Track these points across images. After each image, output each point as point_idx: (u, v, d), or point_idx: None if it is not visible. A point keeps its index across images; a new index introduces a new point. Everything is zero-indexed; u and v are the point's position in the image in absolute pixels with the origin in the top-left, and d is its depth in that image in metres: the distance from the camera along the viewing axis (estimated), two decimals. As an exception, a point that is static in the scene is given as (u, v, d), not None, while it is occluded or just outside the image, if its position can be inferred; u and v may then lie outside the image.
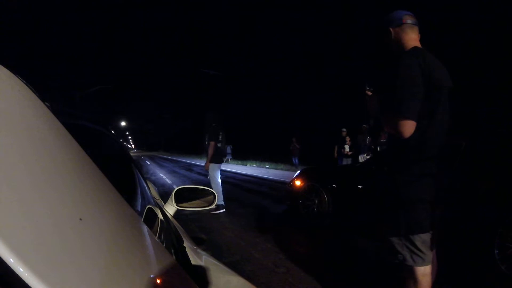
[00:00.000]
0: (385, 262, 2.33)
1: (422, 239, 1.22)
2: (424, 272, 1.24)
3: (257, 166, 14.64)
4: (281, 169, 12.50)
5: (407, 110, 1.15)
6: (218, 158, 4.59)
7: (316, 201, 3.69)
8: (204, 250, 0.99)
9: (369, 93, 1.40)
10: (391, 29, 1.34)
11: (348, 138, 8.41)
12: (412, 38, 1.32)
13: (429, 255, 1.24)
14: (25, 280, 0.20)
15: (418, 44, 1.31)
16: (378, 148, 8.06)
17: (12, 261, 0.20)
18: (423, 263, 1.23)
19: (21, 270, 0.20)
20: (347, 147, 8.39)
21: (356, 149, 8.27)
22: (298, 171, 4.40)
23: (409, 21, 1.33)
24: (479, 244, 2.23)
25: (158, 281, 0.36)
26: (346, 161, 8.36)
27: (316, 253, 2.83)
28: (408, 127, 1.15)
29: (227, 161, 17.98)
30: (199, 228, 3.53)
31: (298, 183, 4.06)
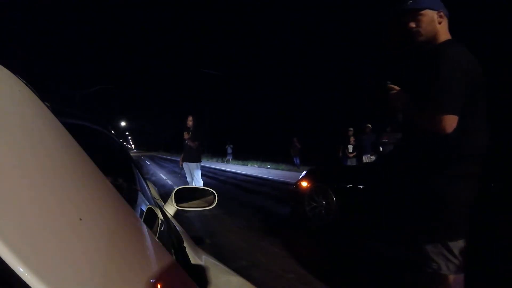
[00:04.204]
0: (398, 267, 2.26)
1: (460, 246, 1.13)
2: (459, 280, 1.16)
3: (258, 166, 14.63)
4: (282, 169, 12.48)
5: (450, 104, 1.06)
6: None
7: (324, 202, 3.54)
8: (203, 249, 0.98)
9: (394, 87, 1.29)
10: (442, 13, 1.20)
11: (352, 138, 8.18)
12: (447, 32, 1.23)
13: (463, 262, 1.15)
14: (25, 280, 0.20)
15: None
16: (381, 148, 7.97)
17: (12, 261, 0.20)
18: (458, 271, 1.14)
19: (21, 270, 0.20)
20: (350, 148, 8.17)
21: (360, 150, 8.14)
22: (304, 172, 4.21)
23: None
24: (479, 244, 2.22)
25: (158, 281, 0.36)
26: (351, 162, 8.15)
27: (326, 257, 2.70)
28: (451, 122, 1.06)
29: (227, 161, 18.00)
30: (202, 231, 3.45)
31: (304, 184, 3.89)
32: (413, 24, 1.22)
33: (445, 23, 1.22)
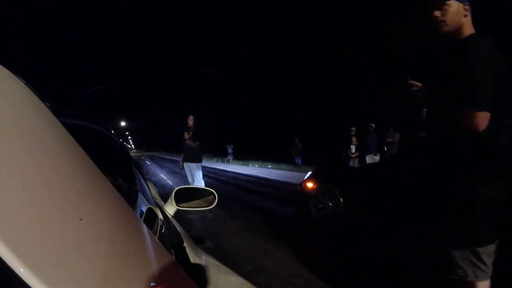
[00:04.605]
0: (411, 270, 2.21)
1: (488, 251, 1.08)
2: (485, 287, 1.11)
3: (259, 167, 14.58)
4: (284, 169, 12.43)
5: (483, 100, 1.01)
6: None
7: (330, 204, 3.46)
8: (203, 249, 0.99)
9: (415, 83, 1.23)
10: (467, 7, 1.16)
11: (354, 138, 8.05)
12: (472, 26, 1.17)
13: (491, 268, 1.10)
14: (25, 280, 0.20)
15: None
16: (385, 148, 7.90)
17: (12, 261, 0.20)
18: (486, 277, 1.09)
19: (21, 270, 0.20)
20: (353, 148, 8.05)
21: (363, 150, 7.93)
22: (310, 172, 4.10)
23: None
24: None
25: (158, 281, 0.36)
26: (353, 162, 8.07)
27: (334, 261, 2.59)
28: (483, 119, 1.01)
29: (228, 161, 18.01)
30: (205, 233, 3.35)
31: (310, 184, 3.80)
32: (438, 13, 1.16)
33: (469, 17, 1.17)
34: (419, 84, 1.23)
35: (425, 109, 1.26)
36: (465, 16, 1.16)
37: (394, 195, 2.88)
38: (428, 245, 1.27)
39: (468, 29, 1.17)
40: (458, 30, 1.16)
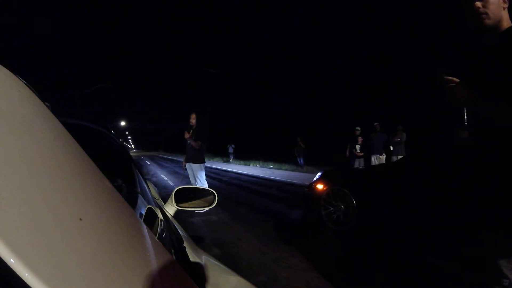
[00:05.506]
0: (438, 279, 2.11)
1: None
2: None
3: (261, 167, 14.53)
4: (286, 170, 12.40)
5: None
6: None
7: (342, 206, 3.34)
8: (203, 249, 0.99)
9: (452, 79, 1.16)
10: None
11: (360, 138, 7.89)
12: (509, 19, 1.12)
13: None
14: (25, 280, 0.20)
15: None
16: (392, 148, 7.80)
17: (12, 261, 0.20)
18: None
19: (21, 270, 0.20)
20: (358, 148, 7.90)
21: (369, 149, 7.79)
22: (319, 173, 3.94)
23: None
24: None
25: (158, 281, 0.36)
26: (358, 162, 7.94)
27: (352, 269, 2.45)
28: None
29: (228, 161, 18.03)
30: (211, 240, 3.19)
31: (320, 186, 3.64)
32: (479, 4, 1.07)
33: (507, 10, 1.11)
34: (457, 80, 1.15)
35: (465, 107, 1.18)
36: (504, 9, 1.10)
37: (413, 196, 2.77)
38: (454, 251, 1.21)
39: (506, 22, 1.11)
40: (499, 22, 1.09)
